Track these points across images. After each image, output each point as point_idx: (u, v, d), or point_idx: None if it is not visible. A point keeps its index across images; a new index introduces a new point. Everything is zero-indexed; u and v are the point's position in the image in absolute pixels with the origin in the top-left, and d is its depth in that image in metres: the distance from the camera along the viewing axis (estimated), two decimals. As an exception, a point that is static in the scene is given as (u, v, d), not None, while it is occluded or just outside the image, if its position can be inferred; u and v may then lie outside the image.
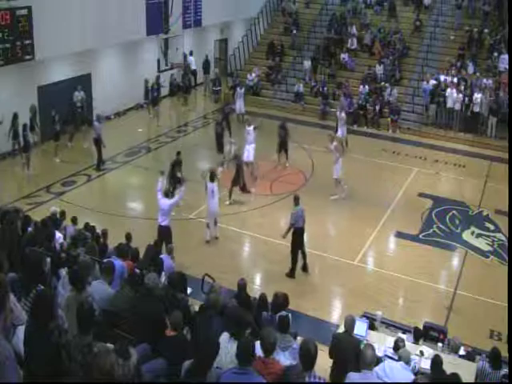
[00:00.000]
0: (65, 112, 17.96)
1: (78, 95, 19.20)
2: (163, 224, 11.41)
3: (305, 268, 11.99)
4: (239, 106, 21.29)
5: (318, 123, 21.95)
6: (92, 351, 3.97)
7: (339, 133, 18.25)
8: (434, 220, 14.64)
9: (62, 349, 4.11)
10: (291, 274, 11.77)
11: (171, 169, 14.13)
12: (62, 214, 11.07)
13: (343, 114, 18.75)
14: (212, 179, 12.87)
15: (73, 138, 18.20)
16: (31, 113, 16.94)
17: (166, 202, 11.42)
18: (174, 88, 23.00)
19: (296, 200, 11.76)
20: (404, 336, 8.32)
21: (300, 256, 11.88)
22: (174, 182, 13.97)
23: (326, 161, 18.19)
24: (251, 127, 16.40)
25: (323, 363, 6.35)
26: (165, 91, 22.91)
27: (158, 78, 21.19)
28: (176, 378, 4.93)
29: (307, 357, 4.83)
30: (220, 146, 17.50)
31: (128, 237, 10.03)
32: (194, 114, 23.40)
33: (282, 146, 17.29)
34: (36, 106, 17.22)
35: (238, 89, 21.48)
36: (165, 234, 11.32)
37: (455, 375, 6.00)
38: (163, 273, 8.38)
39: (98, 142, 16.48)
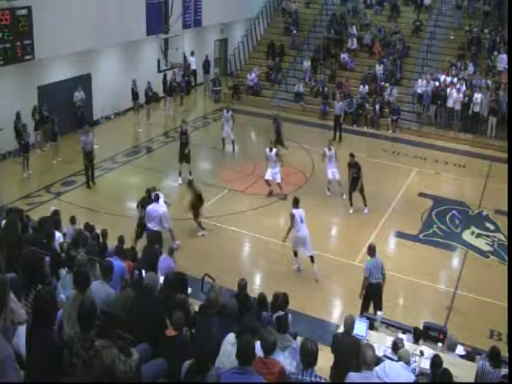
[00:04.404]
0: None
1: (79, 95, 19.19)
2: (155, 229, 11.36)
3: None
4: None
5: (318, 123, 21.96)
6: (94, 346, 3.97)
7: None
8: (434, 220, 14.63)
9: (64, 347, 4.11)
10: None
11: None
12: (61, 214, 11.05)
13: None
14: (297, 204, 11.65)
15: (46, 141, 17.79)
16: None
17: (160, 209, 11.37)
18: (172, 88, 22.91)
19: (370, 250, 9.97)
20: (404, 336, 8.31)
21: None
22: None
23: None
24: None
25: (323, 363, 6.33)
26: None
27: (149, 82, 21.22)
28: (176, 378, 4.93)
29: (308, 356, 4.84)
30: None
31: (120, 240, 9.93)
32: (194, 114, 23.40)
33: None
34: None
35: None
36: (155, 239, 11.10)
37: (446, 371, 5.99)
38: (159, 273, 8.36)
39: (89, 157, 15.44)
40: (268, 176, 15.24)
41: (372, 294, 9.66)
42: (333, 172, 15.46)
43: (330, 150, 15.54)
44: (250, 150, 19.87)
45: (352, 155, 14.62)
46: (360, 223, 14.20)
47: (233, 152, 18.77)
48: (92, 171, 15.74)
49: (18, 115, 16.20)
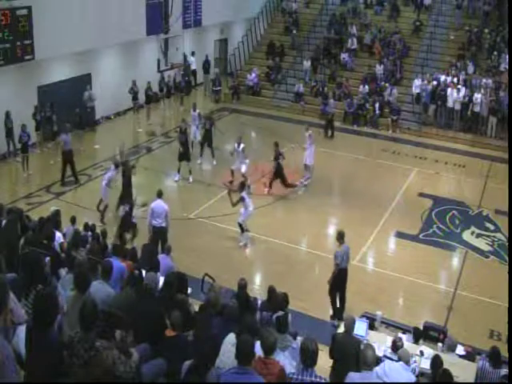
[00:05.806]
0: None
1: (88, 95, 19.18)
2: (163, 225, 11.45)
3: (339, 315, 10.04)
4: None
5: (318, 123, 21.92)
6: (94, 346, 3.97)
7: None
8: (434, 220, 14.63)
9: (64, 348, 4.11)
10: (334, 317, 10.30)
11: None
12: (60, 214, 11.08)
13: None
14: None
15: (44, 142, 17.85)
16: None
17: (164, 206, 11.43)
18: (169, 88, 22.83)
19: (340, 237, 10.20)
20: (404, 336, 8.32)
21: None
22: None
23: (326, 161, 18.22)
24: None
25: (323, 363, 6.34)
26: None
27: (149, 82, 21.14)
28: (176, 378, 4.93)
29: (308, 355, 4.84)
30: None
31: (91, 228, 10.39)
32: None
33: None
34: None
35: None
36: (162, 234, 11.41)
37: (446, 371, 6.00)
38: (159, 273, 8.35)
39: (69, 156, 15.45)
40: (234, 166, 15.88)
41: (340, 279, 10.11)
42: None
43: (306, 131, 16.14)
44: (250, 150, 19.85)
45: (276, 144, 15.44)
46: (360, 223, 14.18)
47: (199, 157, 17.33)
48: (73, 169, 15.62)
49: (7, 114, 16.11)
